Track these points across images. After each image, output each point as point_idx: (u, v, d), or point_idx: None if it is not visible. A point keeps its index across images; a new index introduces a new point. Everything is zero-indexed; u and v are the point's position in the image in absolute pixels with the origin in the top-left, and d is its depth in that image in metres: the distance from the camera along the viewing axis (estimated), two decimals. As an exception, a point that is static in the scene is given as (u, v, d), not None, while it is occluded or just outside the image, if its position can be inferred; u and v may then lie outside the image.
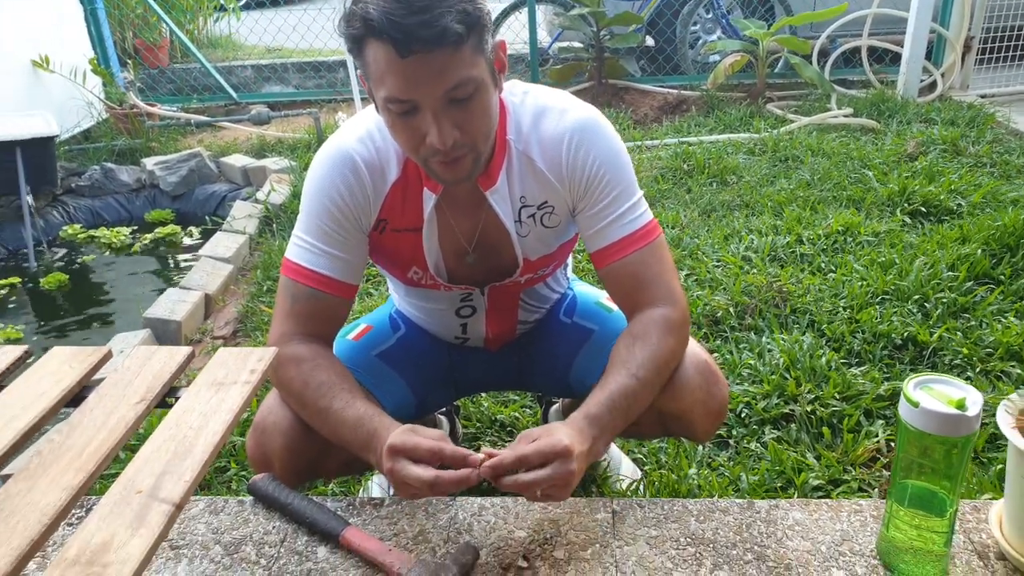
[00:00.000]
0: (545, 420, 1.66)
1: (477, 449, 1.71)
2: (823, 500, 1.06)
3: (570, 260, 1.42)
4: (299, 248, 1.13)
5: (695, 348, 1.18)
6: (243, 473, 1.66)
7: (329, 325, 1.16)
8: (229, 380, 0.84)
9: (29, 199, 3.30)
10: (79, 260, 3.23)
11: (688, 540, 1.00)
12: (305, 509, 1.07)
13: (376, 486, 1.50)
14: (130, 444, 1.59)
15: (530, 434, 0.97)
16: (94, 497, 1.14)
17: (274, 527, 1.07)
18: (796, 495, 1.47)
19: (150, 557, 0.63)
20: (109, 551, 0.63)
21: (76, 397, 0.89)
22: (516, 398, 1.85)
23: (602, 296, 1.38)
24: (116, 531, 0.65)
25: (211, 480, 1.65)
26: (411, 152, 1.03)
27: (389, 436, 0.97)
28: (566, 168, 1.11)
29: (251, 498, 1.12)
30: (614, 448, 1.64)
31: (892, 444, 1.60)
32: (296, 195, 3.27)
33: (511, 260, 1.20)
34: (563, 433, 0.94)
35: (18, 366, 0.97)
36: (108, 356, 0.96)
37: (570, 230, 1.23)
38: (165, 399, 0.87)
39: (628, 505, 1.07)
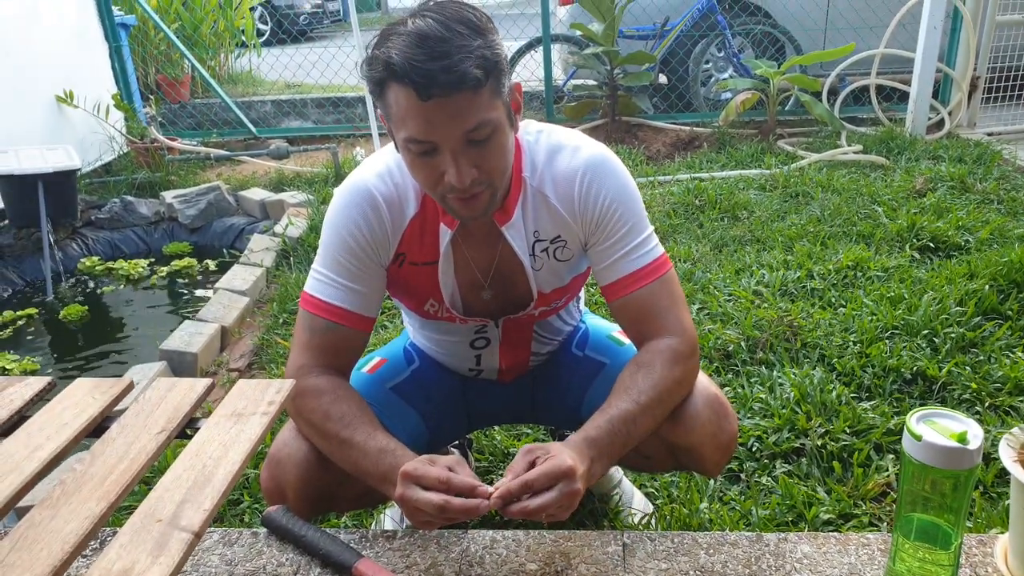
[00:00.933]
0: (556, 453, 1.67)
1: (490, 483, 1.73)
2: (831, 534, 1.06)
3: (583, 293, 1.45)
4: (318, 282, 1.16)
5: (705, 382, 1.19)
6: (256, 506, 1.67)
7: (347, 357, 1.19)
8: (248, 411, 0.87)
9: (49, 231, 3.37)
10: (98, 291, 3.30)
11: (697, 573, 1.01)
12: (318, 541, 1.08)
13: (389, 519, 1.51)
14: (148, 475, 1.62)
15: (530, 451, 0.98)
16: (109, 529, 1.16)
17: (287, 559, 1.09)
18: (806, 529, 1.47)
19: None
20: None
21: (98, 427, 0.91)
22: (529, 431, 1.86)
23: (614, 329, 1.40)
24: (137, 558, 0.68)
25: (224, 513, 1.67)
26: (429, 189, 1.07)
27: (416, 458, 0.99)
28: (578, 204, 1.15)
29: (265, 530, 1.14)
30: (626, 482, 1.64)
31: (903, 480, 1.60)
32: (313, 228, 3.33)
33: (526, 293, 1.23)
34: (565, 453, 0.96)
35: (42, 397, 1.01)
36: (130, 387, 0.99)
37: (582, 264, 1.26)
38: (185, 430, 0.90)
39: (638, 538, 1.08)
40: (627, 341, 1.35)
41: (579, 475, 0.95)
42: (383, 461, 1.04)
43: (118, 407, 0.97)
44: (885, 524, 1.49)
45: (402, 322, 1.76)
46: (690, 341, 1.14)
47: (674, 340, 1.12)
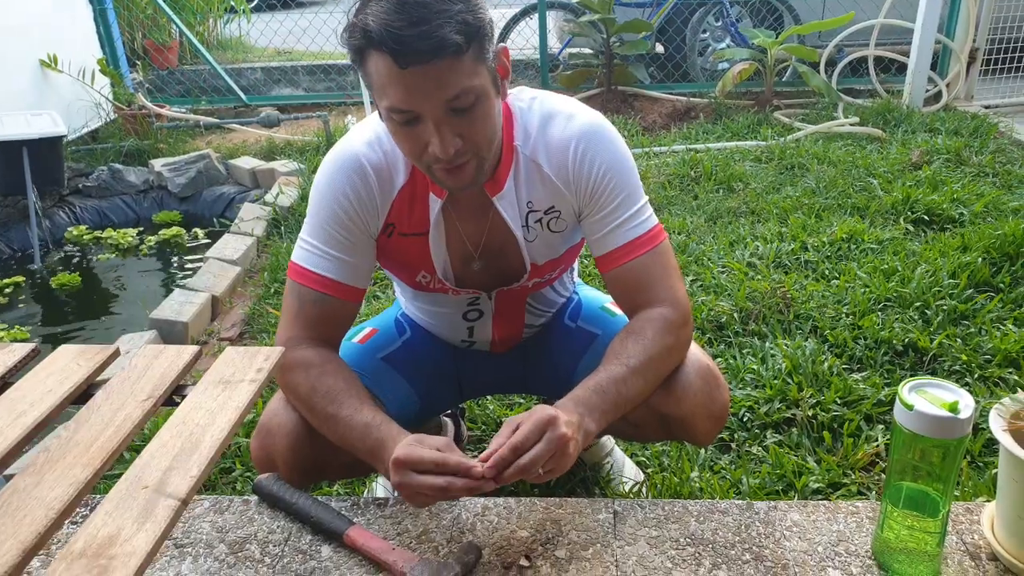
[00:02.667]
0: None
1: (482, 452, 1.73)
2: (820, 502, 1.07)
3: (576, 264, 1.44)
4: (306, 252, 1.14)
5: (697, 353, 1.19)
6: (248, 474, 1.67)
7: (336, 328, 1.17)
8: (236, 378, 0.86)
9: (36, 199, 3.33)
10: (85, 261, 3.26)
11: (688, 540, 1.01)
12: (309, 508, 1.08)
13: (380, 487, 1.51)
14: (136, 443, 1.61)
15: (512, 421, 0.96)
16: (98, 496, 1.16)
17: (279, 526, 1.09)
18: (796, 498, 1.48)
19: (156, 550, 0.65)
20: (115, 544, 0.64)
21: (83, 395, 0.90)
22: (521, 401, 1.86)
23: (607, 300, 1.39)
24: (122, 525, 0.67)
25: (216, 481, 1.67)
26: (415, 160, 1.05)
27: (396, 447, 0.97)
28: (572, 173, 1.13)
29: (256, 498, 1.14)
30: (618, 451, 1.65)
31: (893, 450, 1.61)
32: (304, 198, 3.29)
33: (518, 265, 1.21)
34: (547, 407, 0.95)
35: (26, 364, 0.99)
36: (116, 354, 0.98)
37: (576, 235, 1.24)
38: (172, 397, 0.89)
39: (629, 506, 1.08)
40: (620, 312, 1.34)
41: (563, 421, 0.93)
42: (369, 436, 1.03)
43: (104, 375, 0.95)
44: (874, 493, 1.51)
45: (394, 292, 1.75)
46: (683, 311, 1.13)
47: (666, 309, 1.12)
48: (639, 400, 1.07)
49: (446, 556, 1.00)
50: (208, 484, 1.67)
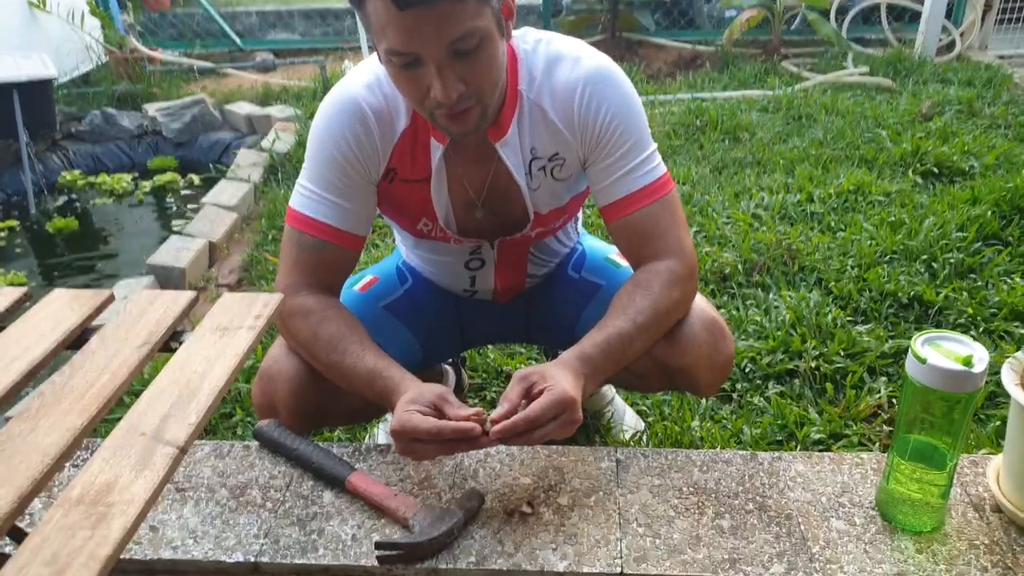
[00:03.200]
0: (549, 372, 1.66)
1: (484, 399, 1.73)
2: (825, 453, 1.06)
3: (580, 214, 1.41)
4: (305, 198, 1.11)
5: (702, 304, 1.17)
6: (248, 419, 1.67)
7: (336, 276, 1.15)
8: (234, 325, 0.83)
9: (28, 143, 3.26)
10: (85, 205, 3.22)
11: (691, 489, 1.01)
12: (311, 454, 1.07)
13: (382, 432, 1.51)
14: (132, 388, 1.60)
15: (525, 377, 0.95)
16: (99, 439, 1.15)
17: (280, 471, 1.08)
18: (798, 448, 1.48)
19: (155, 499, 0.63)
20: (113, 491, 0.63)
21: (78, 340, 0.88)
22: (522, 350, 1.85)
23: (611, 251, 1.36)
24: (120, 472, 0.65)
25: (216, 426, 1.67)
26: (416, 104, 1.01)
27: (401, 395, 0.97)
28: (578, 119, 1.09)
29: (256, 443, 1.13)
30: (618, 400, 1.64)
31: (894, 400, 1.61)
32: (301, 144, 3.24)
33: (521, 214, 1.18)
34: (563, 380, 0.94)
35: (18, 308, 0.97)
36: (110, 299, 0.95)
37: (581, 183, 1.21)
38: (169, 343, 0.87)
39: (632, 455, 1.08)
40: (624, 263, 1.32)
41: (578, 404, 0.94)
42: (375, 383, 1.02)
43: (98, 320, 0.93)
44: (877, 444, 1.51)
45: (394, 240, 1.72)
46: (690, 263, 1.11)
47: (673, 262, 1.09)
48: (641, 355, 1.05)
49: (448, 502, 1.00)
50: (208, 429, 1.66)
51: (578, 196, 1.24)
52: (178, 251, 2.35)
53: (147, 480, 0.63)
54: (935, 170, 2.69)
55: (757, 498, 0.99)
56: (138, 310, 0.88)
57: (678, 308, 1.09)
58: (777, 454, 1.07)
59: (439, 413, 0.94)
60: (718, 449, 1.04)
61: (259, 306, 0.88)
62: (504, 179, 1.14)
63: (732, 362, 1.19)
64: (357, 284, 1.35)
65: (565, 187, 1.18)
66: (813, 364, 1.72)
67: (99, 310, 0.89)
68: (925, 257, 2.10)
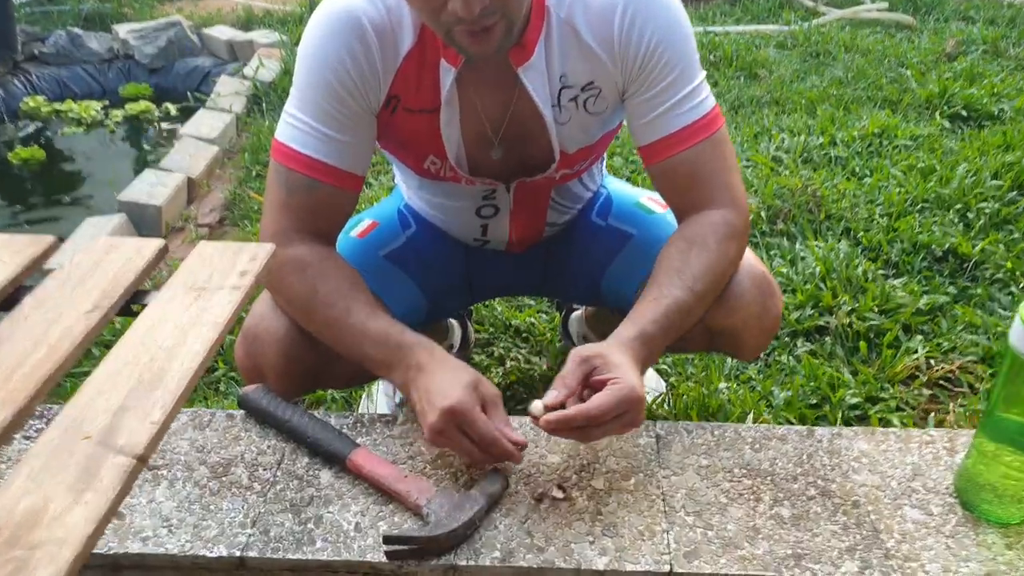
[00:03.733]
0: (565, 328, 1.53)
1: (491, 355, 1.60)
2: (890, 430, 0.94)
3: (604, 154, 1.25)
4: (294, 129, 0.95)
5: (750, 257, 1.03)
6: (233, 376, 1.53)
7: (333, 221, 1.00)
8: (214, 284, 0.67)
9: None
10: (46, 135, 2.99)
11: (743, 471, 0.88)
12: (306, 427, 0.94)
13: (383, 396, 1.37)
14: (77, 369, 1.43)
15: (585, 360, 0.84)
16: (20, 444, 1.00)
17: (269, 446, 0.94)
18: (833, 413, 1.36)
19: (100, 533, 0.47)
20: (40, 524, 0.46)
21: (8, 300, 0.70)
22: (532, 303, 1.71)
23: (641, 195, 1.21)
24: (52, 495, 0.48)
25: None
26: (430, 20, 0.85)
27: (427, 361, 0.87)
28: (618, 43, 0.93)
29: (242, 412, 0.99)
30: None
31: (932, 362, 1.49)
32: (288, 72, 3.00)
33: (545, 152, 1.03)
34: (630, 371, 0.82)
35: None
36: (54, 247, 0.77)
37: (616, 118, 1.05)
38: (128, 306, 0.70)
39: (673, 430, 0.95)
40: (658, 209, 1.17)
41: (644, 402, 0.83)
42: (386, 345, 0.90)
43: (38, 274, 0.77)
44: (915, 410, 1.40)
45: (392, 179, 1.56)
46: (744, 213, 0.98)
47: (728, 212, 0.96)
48: (694, 325, 0.93)
49: (466, 484, 0.87)
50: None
51: (609, 133, 1.08)
52: (152, 187, 2.17)
53: (91, 507, 0.45)
54: (963, 113, 2.54)
55: (819, 482, 0.87)
56: (90, 262, 0.70)
57: (733, 266, 0.96)
58: (836, 430, 0.94)
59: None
60: (771, 425, 0.91)
61: (246, 259, 0.72)
62: (526, 111, 0.98)
63: (779, 322, 1.06)
64: (355, 230, 1.19)
65: (598, 122, 1.02)
66: (845, 321, 1.59)
67: (39, 261, 0.71)
68: (959, 206, 1.96)
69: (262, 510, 0.86)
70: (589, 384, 0.84)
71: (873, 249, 1.85)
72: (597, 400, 0.80)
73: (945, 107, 2.57)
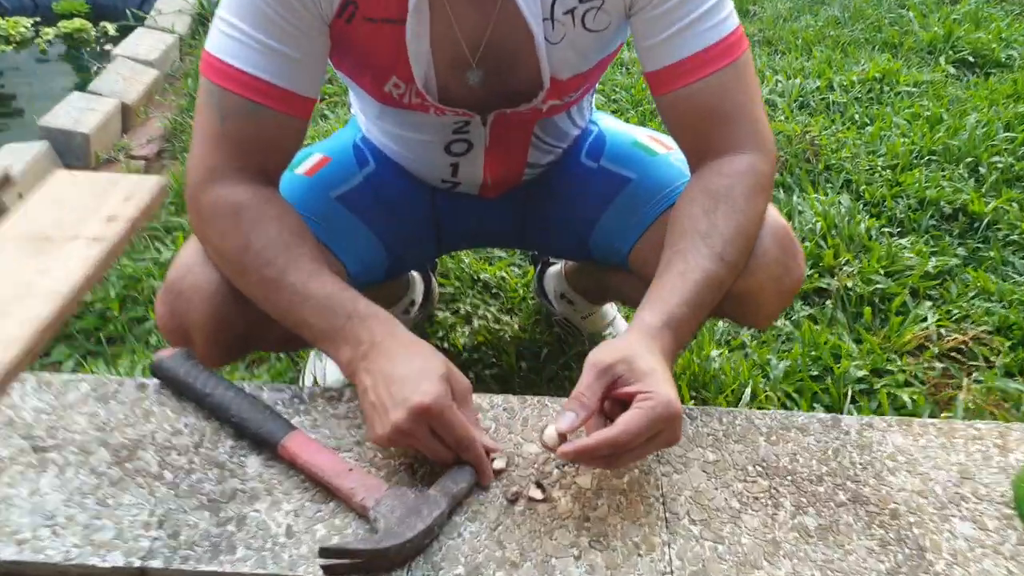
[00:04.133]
0: (540, 284, 1.36)
1: (457, 313, 1.43)
2: (929, 421, 0.80)
3: (596, 84, 1.07)
4: (229, 40, 0.76)
5: (772, 211, 0.87)
6: (148, 323, 1.34)
7: (276, 156, 0.83)
8: (65, 233, 0.49)
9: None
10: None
11: (758, 469, 0.74)
12: (231, 403, 0.77)
13: (330, 367, 1.20)
14: None
15: (608, 369, 0.68)
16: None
17: (187, 425, 0.77)
18: (836, 387, 1.23)
19: None
20: None
21: None
22: (503, 255, 1.54)
23: (640, 134, 1.04)
24: None
25: (124, 333, 1.33)
26: None
27: (438, 368, 0.70)
28: None
29: (156, 381, 0.82)
30: (620, 320, 1.37)
31: (943, 331, 1.37)
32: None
33: (532, 78, 0.85)
34: (663, 379, 0.66)
35: None
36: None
37: (618, 38, 0.87)
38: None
39: (674, 416, 0.80)
40: (661, 150, 1.00)
41: (681, 417, 0.67)
42: (332, 312, 0.73)
43: None
44: (925, 386, 1.27)
45: (349, 110, 1.36)
46: (772, 158, 0.83)
47: (755, 156, 0.80)
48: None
49: (424, 479, 0.71)
50: (89, 352, 1.33)
51: (607, 58, 0.91)
52: (80, 112, 1.92)
53: None
54: (970, 59, 2.38)
55: (848, 484, 0.73)
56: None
57: (762, 221, 0.80)
58: (866, 419, 0.80)
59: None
60: (791, 410, 0.77)
61: (118, 198, 0.53)
62: (512, 27, 0.80)
63: (800, 286, 0.91)
64: (301, 166, 1.01)
65: (597, 43, 0.84)
66: (848, 283, 1.46)
67: None
68: (969, 160, 1.82)
69: (172, 506, 0.69)
70: (612, 395, 0.68)
71: (876, 204, 1.71)
72: (625, 423, 0.64)
73: (950, 52, 2.41)
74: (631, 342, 0.69)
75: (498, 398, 0.81)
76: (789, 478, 0.73)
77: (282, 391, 0.82)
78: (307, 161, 1.02)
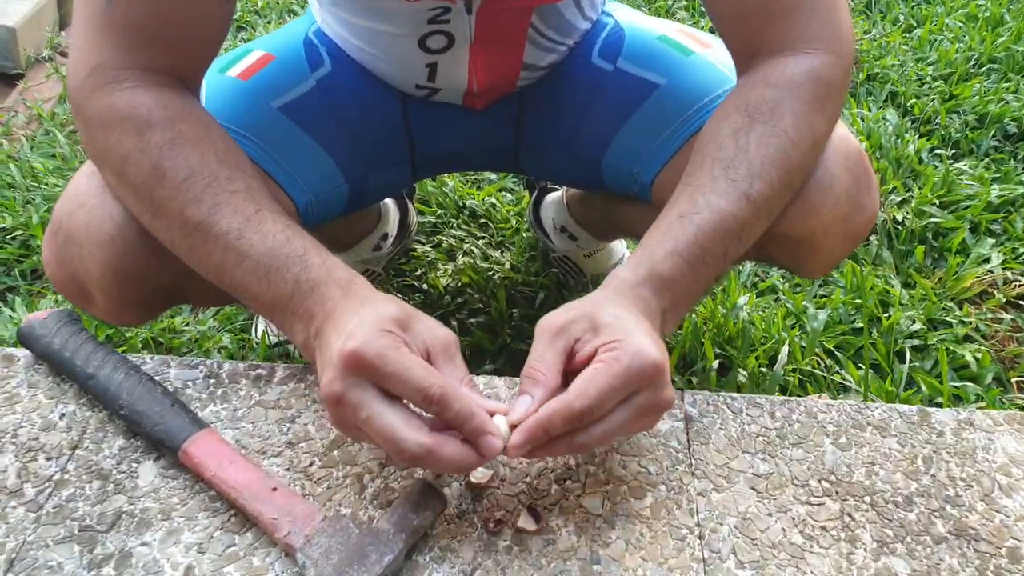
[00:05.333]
0: (536, 213, 1.14)
1: (438, 247, 1.23)
2: (1048, 416, 0.61)
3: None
4: None
5: (842, 130, 0.66)
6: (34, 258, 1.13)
7: (189, 50, 0.61)
8: None
9: None
10: None
11: (825, 486, 0.55)
12: (122, 387, 0.57)
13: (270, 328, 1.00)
14: None
15: (562, 330, 0.50)
16: None
17: (63, 416, 0.58)
18: (884, 342, 1.04)
19: None
20: None
21: None
22: (494, 177, 1.32)
23: (669, 28, 0.80)
24: None
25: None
26: None
27: (362, 309, 0.50)
28: None
29: (25, 353, 0.62)
30: (627, 255, 1.16)
31: (1010, 273, 1.17)
32: None
33: None
34: (633, 328, 0.48)
35: None
36: None
37: None
38: None
39: (711, 406, 0.61)
40: (698, 48, 0.77)
41: (667, 373, 0.48)
42: (279, 281, 0.53)
43: None
44: (989, 342, 1.08)
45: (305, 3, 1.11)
46: (847, 58, 0.61)
47: (821, 58, 0.59)
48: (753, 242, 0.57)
49: (376, 499, 0.53)
50: (9, 288, 1.13)
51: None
52: (5, 3, 1.65)
53: None
54: (1032, -47, 2.08)
55: (948, 509, 0.54)
56: None
57: (820, 147, 0.60)
58: (963, 413, 0.61)
59: None
60: (860, 402, 0.58)
61: None
62: None
63: (870, 228, 0.71)
64: (235, 67, 0.78)
65: None
66: (897, 215, 1.25)
67: None
68: (1036, 70, 1.57)
69: (30, 537, 0.51)
70: (573, 367, 0.49)
71: (927, 121, 1.48)
72: (582, 384, 0.46)
73: (1009, -55, 2.10)
74: (593, 298, 0.52)
75: (479, 380, 0.62)
76: (867, 499, 0.55)
77: (195, 368, 0.63)
78: (243, 60, 0.79)
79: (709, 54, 0.75)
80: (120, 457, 0.55)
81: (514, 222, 1.23)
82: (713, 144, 0.58)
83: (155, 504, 0.53)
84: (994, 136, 1.43)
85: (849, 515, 0.53)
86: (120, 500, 0.53)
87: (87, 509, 0.52)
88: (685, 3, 1.83)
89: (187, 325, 1.03)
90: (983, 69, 1.60)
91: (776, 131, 0.57)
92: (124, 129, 0.56)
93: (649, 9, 1.83)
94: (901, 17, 1.83)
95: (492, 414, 0.48)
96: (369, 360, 0.45)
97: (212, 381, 0.61)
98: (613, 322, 0.48)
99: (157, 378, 0.61)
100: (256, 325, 1.04)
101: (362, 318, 0.49)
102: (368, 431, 0.46)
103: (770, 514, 0.53)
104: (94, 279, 0.61)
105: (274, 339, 1.00)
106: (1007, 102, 1.48)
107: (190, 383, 0.61)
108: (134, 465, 0.55)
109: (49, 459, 0.55)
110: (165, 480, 0.54)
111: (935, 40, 1.70)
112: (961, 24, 1.75)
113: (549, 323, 0.51)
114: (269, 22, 1.74)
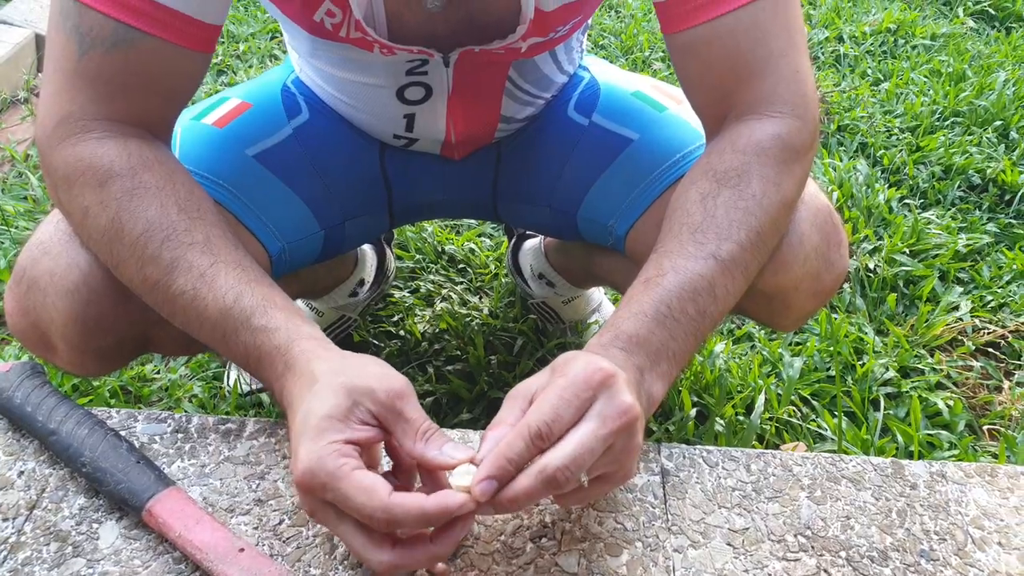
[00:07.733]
0: (515, 259, 1.15)
1: (416, 293, 1.22)
2: (1019, 468, 0.62)
3: (590, 21, 0.85)
4: None
5: (811, 187, 0.67)
6: None
7: (161, 101, 0.61)
8: None
9: None
10: None
11: (801, 540, 0.55)
12: (84, 444, 0.56)
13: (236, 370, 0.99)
14: None
15: (527, 388, 0.50)
16: None
17: (22, 474, 0.56)
18: (859, 389, 1.05)
19: None
20: None
21: None
22: (473, 223, 1.32)
23: (643, 83, 0.82)
24: None
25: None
26: None
27: (293, 397, 0.50)
28: None
29: (-14, 408, 0.60)
30: (607, 304, 1.17)
31: (978, 321, 1.19)
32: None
33: (510, 6, 0.63)
34: (587, 356, 0.49)
35: None
36: None
37: None
38: None
39: (687, 460, 0.60)
40: (671, 103, 0.78)
41: (623, 381, 0.46)
42: (238, 339, 0.52)
43: None
44: (960, 389, 1.09)
45: (284, 47, 1.12)
46: (813, 121, 0.63)
47: (787, 123, 0.60)
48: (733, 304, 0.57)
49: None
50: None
51: (604, -20, 0.68)
52: (-17, 45, 1.65)
53: None
54: (990, 11, 2.17)
55: (923, 565, 0.54)
56: None
57: (790, 208, 0.60)
58: (937, 467, 0.61)
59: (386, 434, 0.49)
60: (834, 454, 0.58)
61: None
62: None
63: (841, 283, 0.72)
64: (212, 114, 0.78)
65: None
66: (868, 263, 1.27)
67: None
68: (998, 124, 1.62)
69: (-15, 604, 0.48)
70: None
71: (895, 172, 1.51)
72: (537, 402, 0.47)
73: (969, 2, 2.20)
74: (562, 359, 0.51)
75: (453, 433, 0.61)
76: (843, 554, 0.54)
77: (163, 421, 0.61)
78: (219, 108, 0.79)
79: (682, 110, 0.76)
80: (80, 517, 0.54)
81: (493, 267, 1.23)
82: (681, 211, 0.59)
83: (115, 568, 0.51)
84: (959, 187, 1.47)
85: (826, 571, 0.53)
86: (79, 564, 0.51)
87: (43, 574, 0.50)
88: (662, 55, 1.88)
89: (158, 373, 1.01)
90: (947, 122, 1.65)
91: (744, 195, 0.58)
92: (86, 181, 0.56)
93: (626, 60, 1.87)
94: (869, 71, 1.88)
95: (457, 464, 0.47)
96: (318, 485, 0.45)
97: (180, 436, 0.60)
98: (571, 359, 0.48)
99: (123, 432, 0.59)
100: (228, 373, 1.02)
101: (305, 424, 0.47)
102: (337, 532, 0.46)
103: (747, 571, 0.53)
104: (57, 328, 0.60)
105: (246, 388, 0.98)
106: (971, 154, 1.52)
107: (157, 438, 0.59)
108: (95, 526, 0.53)
109: (5, 520, 0.53)
110: (127, 541, 0.52)
111: (902, 94, 1.76)
112: (926, 79, 1.81)
113: (515, 390, 0.50)
114: (250, 66, 1.75)
